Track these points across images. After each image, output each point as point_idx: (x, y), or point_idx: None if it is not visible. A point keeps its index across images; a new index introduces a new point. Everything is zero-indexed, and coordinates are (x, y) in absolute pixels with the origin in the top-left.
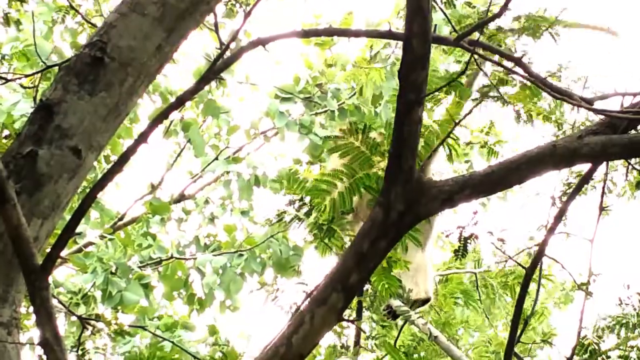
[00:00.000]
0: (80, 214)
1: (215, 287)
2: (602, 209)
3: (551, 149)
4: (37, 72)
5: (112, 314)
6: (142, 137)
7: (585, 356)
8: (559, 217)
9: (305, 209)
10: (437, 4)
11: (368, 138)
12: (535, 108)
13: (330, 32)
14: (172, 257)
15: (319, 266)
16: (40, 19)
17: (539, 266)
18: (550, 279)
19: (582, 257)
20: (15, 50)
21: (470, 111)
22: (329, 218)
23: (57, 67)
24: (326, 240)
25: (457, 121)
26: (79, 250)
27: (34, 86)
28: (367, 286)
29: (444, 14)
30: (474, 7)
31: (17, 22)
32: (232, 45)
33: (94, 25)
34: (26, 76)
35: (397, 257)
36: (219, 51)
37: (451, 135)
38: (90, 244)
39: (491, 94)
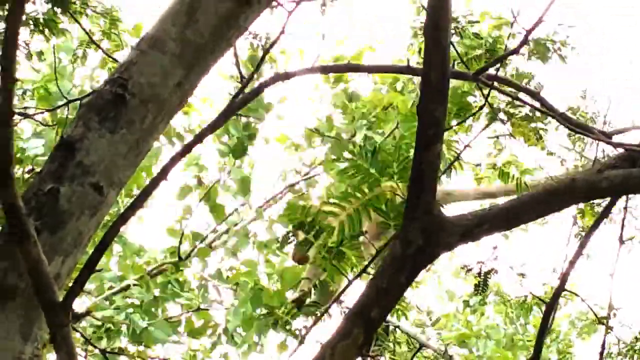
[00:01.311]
0: (102, 249)
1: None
2: (622, 242)
3: (570, 183)
4: (57, 108)
5: (135, 348)
6: (163, 173)
7: None
8: (579, 251)
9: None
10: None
11: (377, 159)
12: (540, 143)
13: (349, 68)
14: (199, 308)
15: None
16: (62, 56)
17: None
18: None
19: (603, 287)
20: (37, 85)
21: (478, 134)
22: (338, 240)
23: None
24: (335, 263)
25: (465, 144)
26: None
27: (55, 124)
28: None
29: (454, 47)
30: (482, 38)
31: (40, 54)
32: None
33: (115, 60)
34: (47, 111)
35: None
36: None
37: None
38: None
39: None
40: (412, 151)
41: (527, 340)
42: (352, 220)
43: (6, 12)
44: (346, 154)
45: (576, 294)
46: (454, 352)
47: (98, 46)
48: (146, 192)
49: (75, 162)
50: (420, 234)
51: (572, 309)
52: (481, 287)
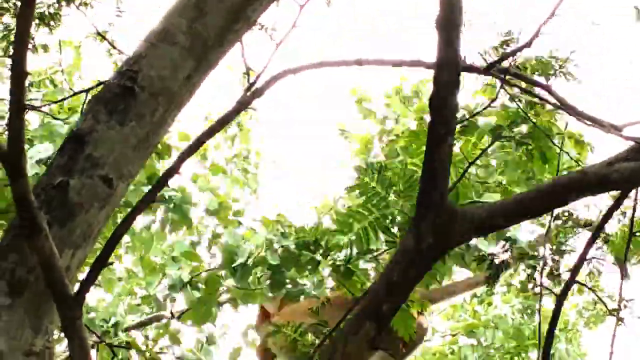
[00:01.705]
0: (112, 243)
1: None
2: (632, 234)
3: (581, 176)
4: (64, 99)
5: (143, 341)
6: (174, 169)
7: None
8: (590, 243)
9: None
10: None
11: (384, 177)
12: (547, 147)
13: (355, 62)
14: None
15: None
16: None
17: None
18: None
19: (614, 279)
20: (42, 78)
21: (484, 150)
22: (346, 259)
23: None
24: (343, 282)
25: (471, 161)
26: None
27: (66, 118)
28: None
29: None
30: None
31: (45, 47)
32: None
33: (120, 51)
34: (54, 102)
35: (415, 297)
36: (246, 78)
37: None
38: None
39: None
40: (419, 171)
41: (533, 325)
42: (360, 238)
43: (12, 6)
44: (353, 173)
45: (586, 286)
46: (462, 342)
47: (103, 37)
48: (157, 187)
49: (84, 155)
50: (432, 227)
51: (580, 298)
52: (493, 279)
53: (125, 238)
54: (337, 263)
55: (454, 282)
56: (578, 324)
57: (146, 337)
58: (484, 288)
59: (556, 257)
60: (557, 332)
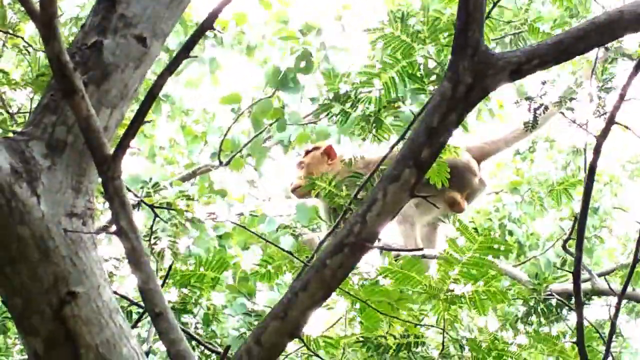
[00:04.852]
0: (149, 101)
1: None
2: None
3: (619, 14)
4: None
5: (184, 203)
6: (209, 21)
7: None
8: (628, 84)
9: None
10: None
11: (407, 26)
12: None
13: None
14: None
15: None
16: None
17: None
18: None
19: None
20: None
21: None
22: (376, 109)
23: None
24: (374, 132)
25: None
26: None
27: None
28: None
29: None
30: None
31: None
32: None
33: None
34: None
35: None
36: None
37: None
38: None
39: None
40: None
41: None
42: (388, 88)
43: None
44: (376, 24)
45: (626, 127)
46: (506, 200)
47: None
48: (192, 42)
49: (117, 15)
50: (469, 71)
51: (624, 153)
52: (531, 124)
53: (166, 107)
54: (367, 113)
55: (493, 140)
56: (620, 179)
57: (187, 197)
58: (527, 144)
59: (602, 95)
60: (602, 186)
